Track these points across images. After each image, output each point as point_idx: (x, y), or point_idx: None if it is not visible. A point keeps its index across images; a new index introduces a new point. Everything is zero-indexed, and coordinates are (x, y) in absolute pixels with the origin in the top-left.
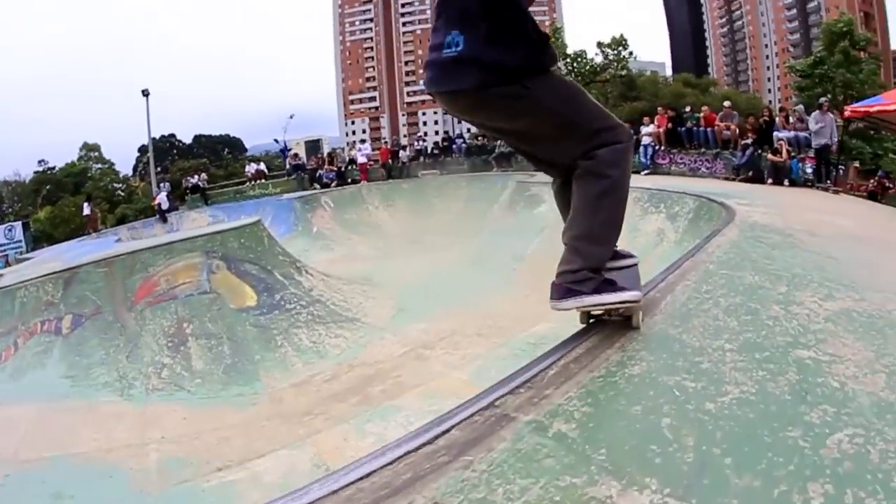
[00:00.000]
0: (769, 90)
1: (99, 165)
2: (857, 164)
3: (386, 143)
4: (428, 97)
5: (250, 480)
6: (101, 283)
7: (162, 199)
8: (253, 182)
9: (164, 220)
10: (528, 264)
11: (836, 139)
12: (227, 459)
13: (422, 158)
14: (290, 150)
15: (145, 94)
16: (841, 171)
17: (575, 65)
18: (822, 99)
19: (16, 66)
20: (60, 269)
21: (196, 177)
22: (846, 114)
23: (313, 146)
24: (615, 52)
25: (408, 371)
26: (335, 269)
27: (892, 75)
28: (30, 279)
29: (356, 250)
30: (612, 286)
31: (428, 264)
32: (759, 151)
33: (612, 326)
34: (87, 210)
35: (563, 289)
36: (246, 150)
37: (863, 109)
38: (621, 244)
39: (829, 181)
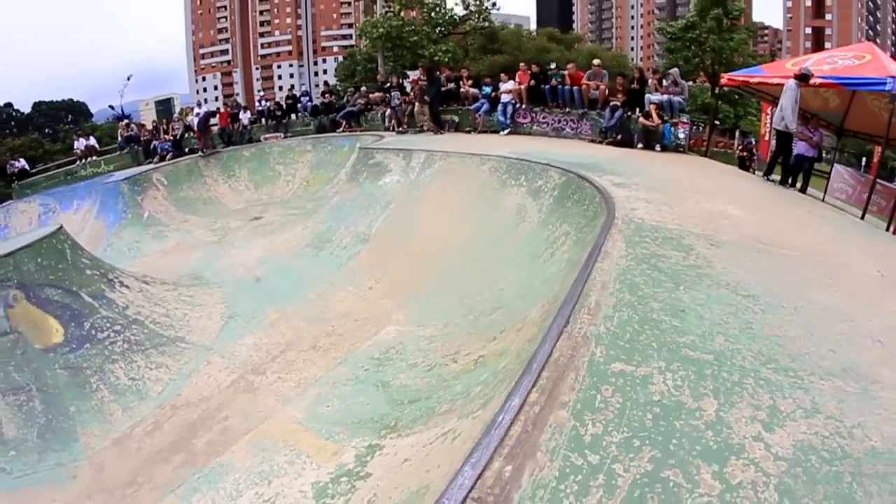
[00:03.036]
0: (632, 48)
1: None
2: (717, 122)
3: (225, 105)
4: (284, 49)
5: None
6: None
7: None
8: (84, 160)
9: None
10: (372, 247)
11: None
12: None
13: (264, 120)
14: (128, 115)
15: None
16: (700, 129)
17: (433, 15)
18: (808, 67)
19: None
20: None
21: (20, 161)
22: (722, 81)
23: (163, 106)
24: (476, 2)
25: (236, 410)
26: (166, 263)
27: (752, 45)
28: None
29: (192, 235)
30: None
31: (265, 249)
32: (629, 114)
33: None
34: None
35: None
36: (91, 115)
37: (741, 79)
38: None
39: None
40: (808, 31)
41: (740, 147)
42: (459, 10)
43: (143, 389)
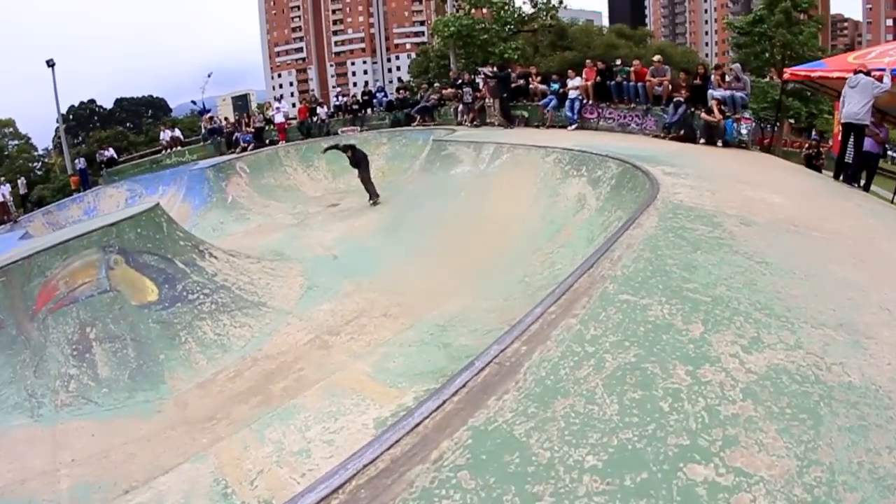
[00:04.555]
0: (706, 43)
1: (15, 142)
2: (791, 120)
3: (303, 101)
4: (357, 46)
5: (155, 502)
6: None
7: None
8: (169, 150)
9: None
10: (443, 231)
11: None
12: (134, 480)
13: (341, 114)
14: (209, 110)
15: (50, 64)
16: (776, 128)
17: (502, 13)
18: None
19: None
20: None
21: (109, 150)
22: (785, 76)
23: (241, 101)
24: (544, 1)
25: (311, 363)
26: (249, 242)
27: (830, 38)
28: None
29: (273, 218)
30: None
31: (342, 231)
32: (692, 109)
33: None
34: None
35: None
36: (171, 110)
37: (803, 73)
38: None
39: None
40: (889, 23)
41: (807, 145)
42: (528, 9)
43: (227, 344)
